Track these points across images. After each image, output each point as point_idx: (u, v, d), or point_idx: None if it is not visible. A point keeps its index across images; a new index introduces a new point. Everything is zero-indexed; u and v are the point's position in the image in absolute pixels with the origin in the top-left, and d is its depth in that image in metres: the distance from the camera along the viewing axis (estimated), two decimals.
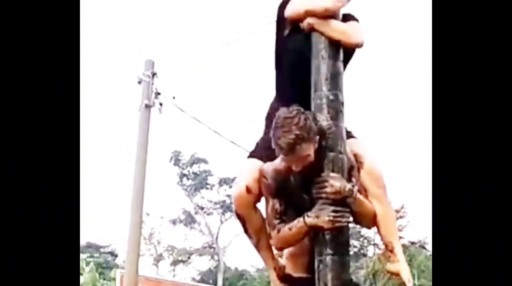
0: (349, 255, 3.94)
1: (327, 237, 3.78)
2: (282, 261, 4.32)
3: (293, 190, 3.96)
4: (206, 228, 41.25)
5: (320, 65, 4.03)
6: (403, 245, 35.62)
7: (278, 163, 3.91)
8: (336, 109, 3.97)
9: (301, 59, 4.16)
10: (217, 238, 40.69)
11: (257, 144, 4.33)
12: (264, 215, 4.16)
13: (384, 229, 4.17)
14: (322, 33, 4.06)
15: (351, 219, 3.91)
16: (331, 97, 3.97)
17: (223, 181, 40.90)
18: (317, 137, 3.80)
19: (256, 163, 4.15)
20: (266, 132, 4.21)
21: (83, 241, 37.27)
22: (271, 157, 3.96)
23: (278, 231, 3.94)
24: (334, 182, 3.82)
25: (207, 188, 41.05)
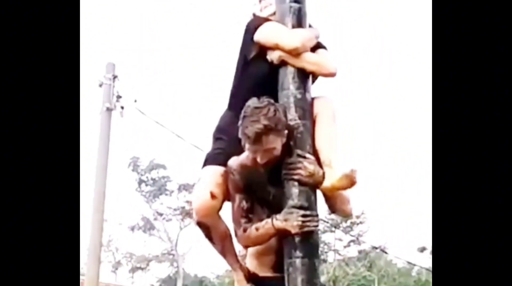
0: (319, 257, 3.90)
1: (297, 239, 3.74)
2: (247, 260, 4.26)
3: (260, 185, 3.95)
4: (165, 235, 41.14)
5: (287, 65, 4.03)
6: (364, 251, 36.00)
7: (245, 157, 3.90)
8: (303, 108, 3.94)
9: (265, 85, 4.09)
10: (176, 244, 40.60)
11: (208, 154, 4.27)
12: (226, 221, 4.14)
13: (327, 144, 4.00)
14: (293, 66, 4.02)
15: (319, 223, 3.86)
16: (299, 95, 3.94)
17: (182, 187, 40.84)
18: (286, 131, 3.78)
19: (216, 168, 4.11)
20: (215, 148, 4.24)
21: None
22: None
23: (245, 230, 3.93)
24: (308, 165, 3.80)
25: (166, 194, 40.94)
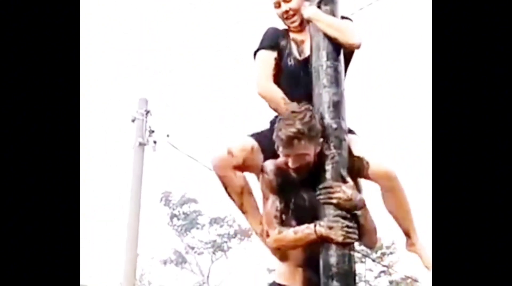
0: None
1: (333, 268, 3.73)
2: (276, 275, 4.25)
3: (293, 189, 3.94)
4: (197, 268, 40.95)
5: (323, 93, 4.02)
6: (395, 281, 35.63)
7: (281, 160, 3.88)
8: (339, 138, 3.93)
9: (299, 80, 4.23)
10: (208, 277, 40.38)
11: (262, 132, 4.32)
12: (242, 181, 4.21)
13: (400, 217, 4.17)
14: (318, 29, 4.10)
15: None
16: (334, 125, 3.94)
17: (214, 221, 40.67)
18: (320, 139, 3.80)
19: (248, 138, 4.22)
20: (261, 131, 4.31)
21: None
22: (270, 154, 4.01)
23: (280, 232, 3.89)
24: (347, 189, 3.78)
25: (197, 228, 40.78)
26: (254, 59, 4.41)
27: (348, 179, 3.84)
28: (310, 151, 3.77)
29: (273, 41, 4.38)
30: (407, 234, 4.24)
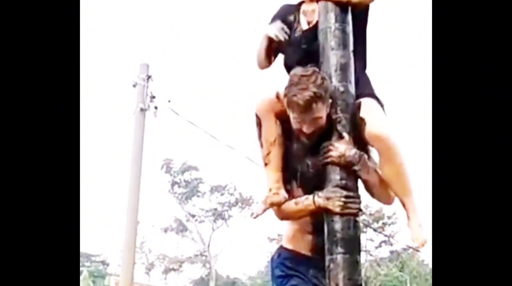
0: (360, 254, 3.84)
1: (338, 234, 3.69)
2: (284, 241, 4.25)
3: (298, 157, 3.92)
4: (198, 236, 41.23)
5: (330, 56, 3.94)
6: (396, 252, 35.87)
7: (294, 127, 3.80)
8: (346, 101, 3.84)
9: (306, 49, 4.14)
10: (208, 246, 40.70)
11: None
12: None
13: (396, 186, 3.98)
14: None
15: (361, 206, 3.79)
16: (341, 88, 3.85)
17: (215, 189, 40.95)
18: (330, 100, 3.73)
19: None
20: None
21: None
22: None
23: (282, 201, 3.89)
24: (339, 145, 3.72)
25: (198, 196, 41.02)
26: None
27: (344, 134, 3.77)
28: (323, 113, 3.70)
29: (281, 17, 4.29)
30: (403, 205, 4.00)
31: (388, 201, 4.11)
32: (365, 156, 3.78)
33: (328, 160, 3.74)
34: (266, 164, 4.04)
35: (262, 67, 4.31)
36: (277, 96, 3.85)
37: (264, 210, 3.95)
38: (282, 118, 3.90)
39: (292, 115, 3.72)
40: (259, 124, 4.02)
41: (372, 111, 3.92)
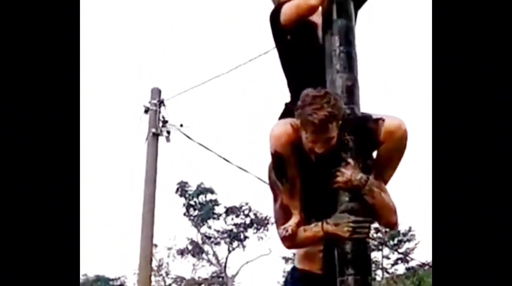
0: (371, 275, 3.85)
1: (349, 256, 3.70)
2: (296, 259, 4.24)
3: (308, 175, 3.90)
4: (214, 258, 41.09)
5: (336, 79, 3.99)
6: (412, 268, 35.65)
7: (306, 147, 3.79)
8: (353, 124, 3.89)
9: (311, 57, 4.16)
10: (225, 267, 40.50)
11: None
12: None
13: (389, 172, 4.03)
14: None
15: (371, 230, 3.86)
16: (348, 111, 3.88)
17: (230, 211, 40.79)
18: (340, 121, 3.72)
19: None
20: None
21: (92, 274, 37.19)
22: None
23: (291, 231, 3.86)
24: (346, 171, 3.75)
25: (213, 218, 40.91)
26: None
27: (349, 160, 3.80)
28: (335, 133, 3.72)
29: None
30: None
31: (392, 226, 4.13)
32: (371, 180, 3.80)
33: (335, 185, 3.77)
34: (291, 197, 3.94)
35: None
36: (292, 126, 3.82)
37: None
38: (297, 147, 3.86)
39: (305, 135, 3.72)
40: (279, 160, 3.87)
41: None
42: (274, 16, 4.23)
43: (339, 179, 3.76)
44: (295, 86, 4.18)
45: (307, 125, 3.66)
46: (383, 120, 3.90)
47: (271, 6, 4.31)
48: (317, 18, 4.23)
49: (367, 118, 3.94)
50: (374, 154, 4.02)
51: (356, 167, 3.80)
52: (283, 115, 4.13)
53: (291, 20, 4.13)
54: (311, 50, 4.16)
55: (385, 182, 4.00)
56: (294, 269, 4.22)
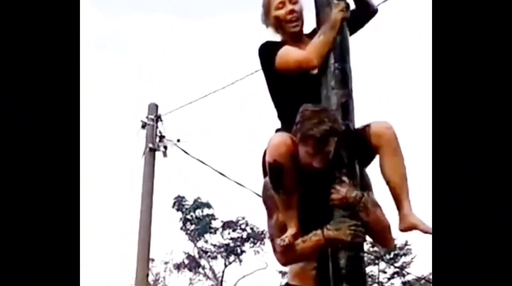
0: None
1: (343, 271, 3.70)
2: (289, 275, 4.20)
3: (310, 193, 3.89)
4: (211, 272, 40.97)
5: (331, 96, 4.01)
6: (408, 282, 35.60)
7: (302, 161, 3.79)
8: (348, 140, 3.90)
9: (302, 91, 4.13)
10: (222, 281, 40.39)
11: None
12: None
13: (395, 183, 4.00)
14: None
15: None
16: (342, 127, 3.87)
17: (227, 225, 40.70)
18: (335, 138, 3.73)
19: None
20: None
21: None
22: None
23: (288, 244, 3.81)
24: (341, 188, 3.77)
25: (210, 232, 40.82)
26: (269, 71, 4.28)
27: (344, 178, 3.82)
28: (333, 148, 3.74)
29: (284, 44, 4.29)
30: (399, 203, 3.99)
31: (387, 244, 4.14)
32: (366, 197, 3.81)
33: (330, 202, 3.79)
34: (287, 209, 3.88)
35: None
36: (292, 140, 3.80)
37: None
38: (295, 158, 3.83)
39: (303, 150, 3.72)
40: (278, 170, 3.81)
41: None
42: (268, 53, 4.26)
43: (334, 196, 3.78)
44: (285, 117, 4.20)
45: (308, 139, 3.67)
46: (369, 126, 3.97)
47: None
48: (304, 46, 4.23)
49: (356, 129, 3.99)
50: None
51: (351, 184, 3.82)
52: None
53: (287, 70, 4.15)
54: (301, 82, 4.16)
55: (405, 190, 4.01)
56: (287, 285, 4.19)
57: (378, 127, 3.99)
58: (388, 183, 4.02)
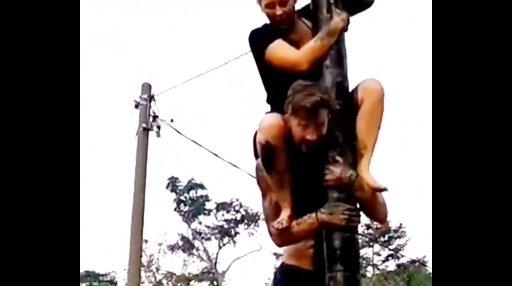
0: (360, 271, 3.84)
1: (338, 252, 3.69)
2: (285, 255, 4.20)
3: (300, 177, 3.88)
4: (205, 254, 41.10)
5: (326, 74, 3.97)
6: (403, 265, 35.78)
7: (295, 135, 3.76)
8: (342, 119, 3.88)
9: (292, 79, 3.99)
10: (216, 263, 40.52)
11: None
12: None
13: (362, 134, 3.93)
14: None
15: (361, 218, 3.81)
16: (337, 106, 3.85)
17: (221, 206, 40.80)
18: (329, 115, 3.74)
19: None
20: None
21: (82, 270, 37.12)
22: None
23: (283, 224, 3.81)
24: (335, 169, 3.75)
25: (204, 214, 40.92)
26: (262, 57, 4.18)
27: (337, 158, 3.79)
28: (325, 120, 3.72)
29: (276, 34, 4.19)
30: (359, 158, 3.91)
31: (383, 220, 4.12)
32: (362, 171, 3.81)
33: (325, 184, 3.76)
34: (280, 189, 3.88)
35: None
36: (284, 119, 3.79)
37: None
38: (288, 140, 3.82)
39: (295, 123, 3.71)
40: (270, 151, 3.80)
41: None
42: (258, 45, 4.20)
43: (329, 177, 3.75)
44: (275, 101, 4.14)
45: (299, 111, 3.67)
46: (360, 83, 3.98)
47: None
48: (298, 34, 4.20)
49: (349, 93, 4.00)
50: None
51: (346, 164, 3.79)
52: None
53: (277, 67, 4.08)
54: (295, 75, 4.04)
55: (369, 147, 3.94)
56: (282, 265, 4.19)
57: (368, 81, 3.99)
58: (356, 134, 3.94)
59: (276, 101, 4.08)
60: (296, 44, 4.12)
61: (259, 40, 4.20)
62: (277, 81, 4.10)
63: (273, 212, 3.91)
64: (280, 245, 4.04)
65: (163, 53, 55.84)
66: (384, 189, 3.87)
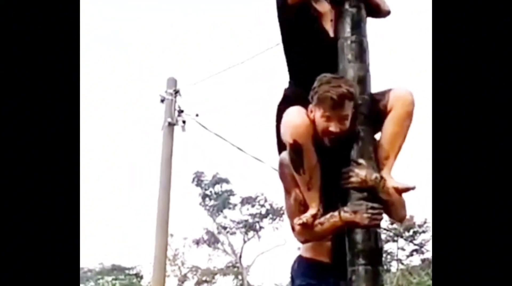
0: (382, 265, 3.84)
1: (359, 246, 3.71)
2: (302, 249, 4.21)
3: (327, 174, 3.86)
4: (229, 248, 41.13)
5: (348, 69, 3.99)
6: (427, 260, 35.58)
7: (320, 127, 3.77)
8: (364, 114, 3.90)
9: (314, 45, 4.12)
10: (240, 257, 40.54)
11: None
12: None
13: (386, 140, 3.93)
14: None
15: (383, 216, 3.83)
16: (359, 101, 3.88)
17: (245, 201, 40.79)
18: (353, 109, 3.76)
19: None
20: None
21: (108, 263, 37.30)
22: None
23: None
24: (359, 171, 3.77)
25: (229, 208, 40.94)
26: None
27: (361, 160, 3.81)
28: (350, 114, 3.75)
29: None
30: (382, 162, 3.91)
31: (402, 218, 4.13)
32: (385, 178, 3.82)
33: (349, 185, 3.78)
34: (309, 190, 3.87)
35: None
36: (310, 119, 3.79)
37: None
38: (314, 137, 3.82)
39: (320, 114, 3.73)
40: (299, 151, 3.78)
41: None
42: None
43: (353, 180, 3.77)
44: (296, 72, 4.19)
45: (325, 101, 3.69)
46: (391, 89, 3.94)
47: None
48: (321, 7, 4.19)
49: (375, 94, 3.98)
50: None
51: (369, 166, 3.80)
52: (282, 103, 4.08)
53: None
54: (315, 38, 4.11)
55: (392, 158, 3.94)
56: (300, 257, 4.20)
57: (401, 91, 3.96)
58: (380, 139, 3.96)
59: (296, 76, 4.15)
60: (318, 14, 4.16)
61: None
62: (301, 54, 4.16)
63: (297, 209, 3.91)
64: (303, 242, 4.07)
65: (163, 53, 55.73)
66: (413, 188, 3.87)
